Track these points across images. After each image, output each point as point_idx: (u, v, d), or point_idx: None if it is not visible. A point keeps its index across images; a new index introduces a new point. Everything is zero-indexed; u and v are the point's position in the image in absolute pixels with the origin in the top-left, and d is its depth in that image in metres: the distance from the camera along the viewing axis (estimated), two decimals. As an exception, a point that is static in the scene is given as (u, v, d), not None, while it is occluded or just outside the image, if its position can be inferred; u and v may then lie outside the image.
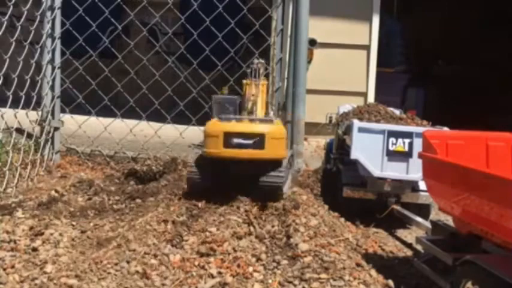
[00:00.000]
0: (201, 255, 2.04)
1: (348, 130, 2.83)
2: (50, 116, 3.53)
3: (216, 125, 2.45)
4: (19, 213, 2.40)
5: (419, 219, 2.63)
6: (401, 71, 6.45)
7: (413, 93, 6.46)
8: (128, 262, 1.99)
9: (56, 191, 2.77)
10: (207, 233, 2.17)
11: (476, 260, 1.70)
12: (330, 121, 3.38)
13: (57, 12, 3.50)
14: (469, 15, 8.36)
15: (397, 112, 3.18)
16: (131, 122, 3.72)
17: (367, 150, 2.74)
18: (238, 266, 1.97)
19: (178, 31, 5.18)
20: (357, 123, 2.76)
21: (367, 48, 5.22)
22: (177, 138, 3.79)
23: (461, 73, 8.48)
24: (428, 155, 2.07)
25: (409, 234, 2.67)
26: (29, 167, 3.14)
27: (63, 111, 3.68)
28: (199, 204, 2.39)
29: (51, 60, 3.50)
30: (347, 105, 3.36)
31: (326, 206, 2.60)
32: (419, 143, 2.23)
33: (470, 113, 7.81)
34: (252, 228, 2.21)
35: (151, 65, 3.99)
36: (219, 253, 2.04)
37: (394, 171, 2.73)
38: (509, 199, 1.62)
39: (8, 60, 2.89)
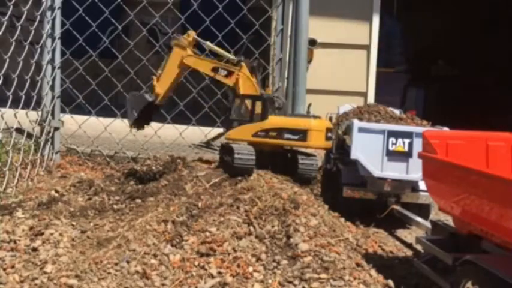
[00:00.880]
0: (201, 255, 2.04)
1: (348, 130, 2.83)
2: (50, 116, 3.53)
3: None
4: (19, 213, 2.40)
5: (419, 219, 2.63)
6: (401, 71, 6.45)
7: (413, 93, 6.46)
8: (127, 262, 1.99)
9: (56, 191, 2.77)
10: (207, 233, 2.17)
11: (476, 260, 1.70)
12: (330, 121, 3.38)
13: (57, 12, 3.50)
14: (469, 15, 8.36)
15: (397, 112, 3.18)
16: (131, 122, 3.72)
17: (367, 150, 2.74)
18: (238, 266, 1.97)
19: (178, 31, 5.18)
20: (357, 123, 2.76)
21: (367, 48, 5.22)
22: (177, 138, 3.79)
23: (462, 73, 8.48)
24: (428, 155, 2.07)
25: (409, 234, 2.67)
26: (29, 167, 3.14)
27: (63, 111, 3.68)
28: (199, 204, 2.39)
29: (51, 60, 3.50)
30: (347, 105, 3.36)
31: (326, 206, 2.60)
32: (420, 143, 2.23)
33: (470, 113, 7.82)
34: (252, 228, 2.21)
35: (151, 65, 3.98)
36: (219, 253, 2.04)
37: (394, 171, 2.73)
38: (509, 199, 1.62)
39: (8, 60, 2.89)
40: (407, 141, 2.73)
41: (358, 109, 3.16)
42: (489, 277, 1.62)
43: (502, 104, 7.68)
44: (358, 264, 2.05)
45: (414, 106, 6.44)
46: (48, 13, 3.45)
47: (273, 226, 2.23)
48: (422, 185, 2.71)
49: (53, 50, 3.51)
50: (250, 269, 1.97)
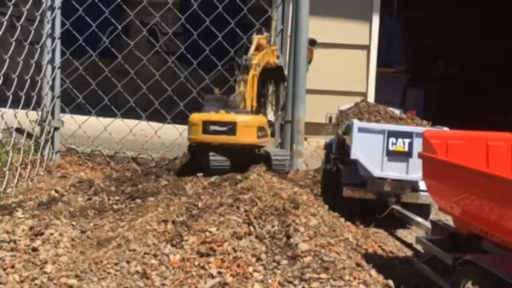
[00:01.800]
0: (201, 255, 2.04)
1: (348, 130, 2.83)
2: (50, 116, 3.53)
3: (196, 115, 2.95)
4: (19, 213, 2.40)
5: (419, 219, 2.63)
6: (401, 71, 6.45)
7: (413, 93, 6.46)
8: (127, 262, 1.99)
9: (56, 191, 2.77)
10: (207, 233, 2.17)
11: (476, 260, 1.70)
12: (330, 121, 3.38)
13: (57, 12, 3.50)
14: (469, 15, 8.35)
15: (397, 112, 3.18)
16: (131, 122, 3.72)
17: (367, 150, 2.73)
18: (238, 266, 1.97)
19: (178, 31, 5.18)
20: (357, 123, 2.76)
21: (367, 48, 5.22)
22: (177, 138, 3.79)
23: (462, 73, 8.47)
24: (428, 155, 2.07)
25: (409, 234, 2.67)
26: (29, 167, 3.14)
27: (63, 111, 3.68)
28: (199, 204, 2.39)
29: (51, 60, 3.50)
30: (347, 105, 3.36)
31: (326, 206, 2.60)
32: (419, 143, 2.23)
33: (471, 113, 7.82)
34: (252, 228, 2.21)
35: (151, 65, 3.99)
36: (219, 253, 2.04)
37: (395, 171, 2.73)
38: (509, 199, 1.61)
39: (8, 60, 2.89)
40: (407, 141, 2.72)
41: (358, 109, 3.16)
42: (489, 277, 1.62)
43: (502, 104, 7.68)
44: (358, 264, 2.05)
45: (414, 106, 6.44)
46: (48, 13, 3.45)
47: (273, 226, 2.23)
48: (422, 185, 2.70)
49: (53, 50, 3.51)
50: (250, 269, 1.96)
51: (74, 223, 2.33)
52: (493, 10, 8.27)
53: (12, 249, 2.08)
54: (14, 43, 2.96)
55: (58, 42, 3.53)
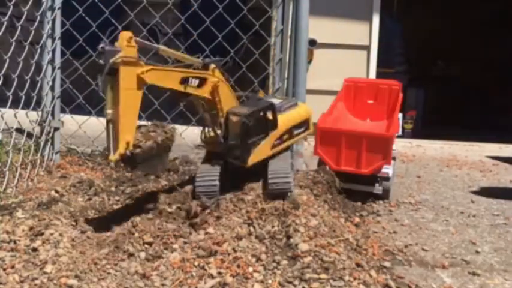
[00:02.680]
0: (201, 255, 2.04)
1: None
2: (50, 116, 3.53)
3: None
4: (19, 214, 2.40)
5: None
6: (401, 71, 6.45)
7: (413, 94, 6.46)
8: (127, 262, 1.99)
9: (56, 191, 2.77)
10: (207, 234, 2.18)
11: None
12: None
13: (57, 13, 3.50)
14: (469, 15, 8.35)
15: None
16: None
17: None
18: (238, 266, 1.97)
19: (179, 31, 5.17)
20: None
21: (367, 48, 5.22)
22: (177, 138, 3.79)
23: (462, 73, 8.47)
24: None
25: (409, 235, 2.67)
26: (29, 167, 3.14)
27: (63, 111, 3.68)
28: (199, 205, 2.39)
29: (51, 61, 3.50)
30: None
31: (326, 207, 2.60)
32: None
33: (470, 113, 7.83)
34: (252, 229, 2.22)
35: (151, 65, 3.98)
36: (219, 253, 2.04)
37: None
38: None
39: (8, 60, 2.89)
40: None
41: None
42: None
43: (502, 104, 7.68)
44: (358, 265, 2.05)
45: (414, 106, 6.44)
46: (49, 13, 3.45)
47: (273, 226, 2.23)
48: None
49: (53, 50, 3.51)
50: (250, 269, 1.97)
51: (74, 223, 2.33)
52: (493, 10, 8.27)
53: (12, 250, 2.08)
54: (14, 43, 2.96)
55: (58, 42, 3.53)
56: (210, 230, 2.20)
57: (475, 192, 3.53)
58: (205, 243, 2.11)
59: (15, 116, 3.05)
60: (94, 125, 3.76)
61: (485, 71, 8.32)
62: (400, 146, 5.03)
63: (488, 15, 8.35)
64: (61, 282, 1.87)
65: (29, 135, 3.40)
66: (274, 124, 2.58)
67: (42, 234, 2.18)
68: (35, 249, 2.08)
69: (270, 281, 1.91)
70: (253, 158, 2.48)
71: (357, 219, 2.74)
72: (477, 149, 5.36)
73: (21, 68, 3.10)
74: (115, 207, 2.56)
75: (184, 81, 2.35)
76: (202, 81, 2.39)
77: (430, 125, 6.54)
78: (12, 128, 3.13)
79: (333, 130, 3.11)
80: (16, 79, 3.04)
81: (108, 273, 1.94)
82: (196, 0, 3.79)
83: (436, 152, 5.07)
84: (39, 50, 3.45)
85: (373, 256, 2.27)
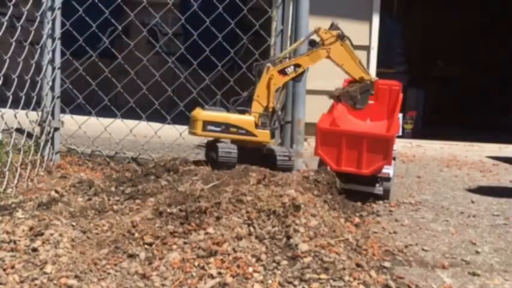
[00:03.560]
0: (201, 255, 2.04)
1: None
2: (50, 117, 3.53)
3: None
4: (19, 214, 2.40)
5: None
6: (401, 72, 6.45)
7: (413, 94, 6.47)
8: (127, 262, 1.99)
9: (56, 191, 2.77)
10: (207, 234, 2.17)
11: None
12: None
13: (57, 13, 3.50)
14: (468, 15, 8.35)
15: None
16: (131, 122, 3.72)
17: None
18: (238, 266, 1.97)
19: (179, 31, 5.18)
20: None
21: (367, 48, 5.22)
22: (177, 138, 3.79)
23: (461, 73, 8.47)
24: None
25: (409, 235, 2.67)
26: (29, 167, 3.15)
27: (63, 111, 3.68)
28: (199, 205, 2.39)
29: (51, 61, 3.50)
30: None
31: (326, 207, 2.60)
32: None
33: (470, 113, 7.83)
34: (252, 229, 2.22)
35: (151, 66, 3.99)
36: (219, 254, 2.04)
37: None
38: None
39: (8, 60, 2.89)
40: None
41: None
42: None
43: (502, 104, 7.68)
44: (358, 265, 2.05)
45: (414, 106, 6.45)
46: (49, 13, 3.45)
47: (273, 227, 2.23)
48: None
49: (53, 51, 3.51)
50: (250, 269, 1.97)
51: (74, 223, 2.33)
52: (493, 10, 8.27)
53: (12, 250, 2.08)
54: (14, 43, 2.96)
55: (58, 42, 3.53)
56: (210, 230, 2.20)
57: (475, 192, 3.53)
58: (205, 243, 2.10)
59: (15, 116, 3.05)
60: (94, 125, 3.76)
61: (485, 71, 8.33)
62: (400, 146, 5.03)
63: (489, 15, 8.35)
64: (61, 283, 1.87)
65: (29, 135, 3.40)
66: None
67: (42, 234, 2.18)
68: (35, 250, 2.08)
69: (270, 281, 1.91)
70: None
71: (357, 220, 2.74)
72: (477, 149, 5.36)
73: (21, 68, 3.10)
74: (115, 207, 2.56)
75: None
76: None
77: (430, 125, 6.54)
78: (12, 128, 3.13)
79: (334, 130, 3.11)
80: (16, 79, 3.04)
81: (108, 273, 1.94)
82: (196, 0, 3.79)
83: (436, 152, 5.07)
84: (39, 50, 3.45)
85: (373, 256, 2.27)
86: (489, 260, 2.38)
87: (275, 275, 1.95)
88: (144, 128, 3.77)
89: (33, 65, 3.39)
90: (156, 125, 3.73)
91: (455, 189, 3.59)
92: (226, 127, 3.06)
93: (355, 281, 1.92)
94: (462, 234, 2.71)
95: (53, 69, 3.52)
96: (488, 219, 2.97)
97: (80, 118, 3.77)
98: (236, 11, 3.79)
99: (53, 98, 3.55)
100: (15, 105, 3.00)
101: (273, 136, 3.16)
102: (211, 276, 1.93)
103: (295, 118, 3.43)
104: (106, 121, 3.76)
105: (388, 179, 3.11)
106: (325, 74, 5.01)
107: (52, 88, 3.54)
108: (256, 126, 3.08)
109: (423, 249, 2.47)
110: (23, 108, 3.18)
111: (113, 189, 2.85)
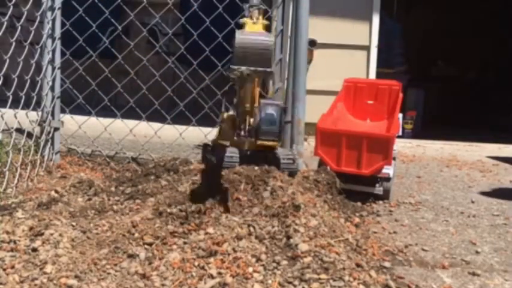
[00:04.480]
0: (201, 255, 2.04)
1: None
2: (50, 117, 3.54)
3: None
4: (19, 214, 2.40)
5: None
6: (401, 72, 6.46)
7: (413, 94, 6.48)
8: (127, 262, 1.99)
9: (56, 191, 2.77)
10: (207, 234, 2.17)
11: None
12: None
13: (57, 13, 3.50)
14: (468, 15, 8.35)
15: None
16: (131, 122, 3.72)
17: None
18: (238, 266, 1.97)
19: (178, 32, 5.18)
20: None
21: (367, 48, 5.22)
22: (177, 138, 3.79)
23: (461, 73, 8.47)
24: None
25: (409, 235, 2.67)
26: (29, 167, 3.15)
27: (63, 111, 3.68)
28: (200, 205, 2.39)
29: (51, 61, 3.51)
30: None
31: (326, 207, 2.60)
32: None
33: (470, 113, 7.83)
34: (252, 229, 2.22)
35: (151, 66, 3.99)
36: (219, 254, 2.04)
37: None
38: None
39: (8, 60, 2.89)
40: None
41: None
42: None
43: (501, 104, 7.68)
44: (358, 265, 2.05)
45: (414, 107, 6.45)
46: (49, 13, 3.45)
47: (273, 227, 2.23)
48: None
49: (53, 51, 3.51)
50: (250, 269, 1.97)
51: (74, 223, 2.33)
52: (492, 10, 8.27)
53: (12, 250, 2.08)
54: (14, 43, 2.96)
55: (58, 42, 3.53)
56: (210, 230, 2.20)
57: (475, 192, 3.54)
58: (205, 243, 2.10)
59: (15, 116, 3.05)
60: (94, 125, 3.76)
61: (485, 71, 8.33)
62: (400, 146, 5.03)
63: (489, 15, 8.35)
64: (61, 283, 1.87)
65: (29, 135, 3.40)
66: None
67: (42, 234, 2.18)
68: (35, 250, 2.08)
69: (270, 281, 1.91)
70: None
71: (357, 220, 2.74)
72: (477, 149, 5.36)
73: (21, 68, 3.10)
74: (115, 207, 2.56)
75: None
76: None
77: (430, 125, 6.55)
78: (12, 128, 3.13)
79: (333, 131, 3.11)
80: (16, 79, 3.04)
81: (108, 273, 1.94)
82: (196, 0, 3.79)
83: (436, 152, 5.08)
84: (39, 50, 3.45)
85: (373, 256, 2.27)
86: (489, 260, 2.38)
87: (275, 275, 1.95)
88: (144, 128, 3.77)
89: (33, 65, 3.39)
90: (156, 125, 3.73)
91: (455, 189, 3.59)
92: None
93: (355, 281, 1.92)
94: (462, 234, 2.71)
95: (53, 69, 3.52)
96: (488, 219, 2.97)
97: (80, 118, 3.77)
98: (236, 11, 3.79)
99: (53, 98, 3.55)
100: (15, 105, 3.00)
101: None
102: (211, 276, 1.93)
103: (295, 118, 3.43)
104: (106, 121, 3.77)
105: (388, 179, 3.11)
106: (325, 74, 5.02)
107: (52, 88, 3.54)
108: None
109: (423, 249, 2.47)
110: (23, 108, 3.18)
111: (113, 189, 2.85)
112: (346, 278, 1.93)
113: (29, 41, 3.24)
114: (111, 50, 4.24)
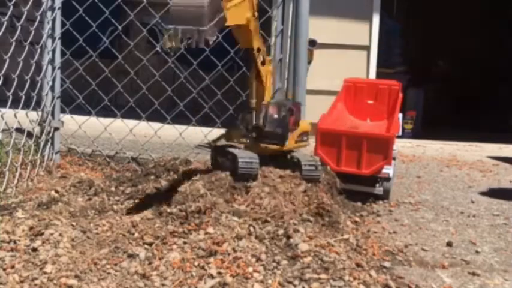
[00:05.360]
0: (201, 255, 2.04)
1: None
2: (50, 116, 3.53)
3: None
4: (19, 214, 2.40)
5: None
6: (401, 72, 6.46)
7: (413, 94, 6.48)
8: (127, 262, 1.99)
9: (56, 191, 2.77)
10: (207, 234, 2.18)
11: None
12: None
13: (57, 13, 3.50)
14: (469, 15, 8.35)
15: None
16: (131, 122, 3.72)
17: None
18: (238, 266, 1.97)
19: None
20: None
21: (367, 48, 5.22)
22: (177, 138, 3.79)
23: (461, 73, 8.47)
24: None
25: (409, 235, 2.67)
26: (29, 167, 3.14)
27: (63, 111, 3.68)
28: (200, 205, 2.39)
29: (52, 61, 3.50)
30: None
31: (326, 207, 2.59)
32: None
33: (470, 114, 7.83)
34: (252, 229, 2.22)
35: (151, 66, 3.99)
36: (219, 254, 2.04)
37: None
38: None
39: (8, 60, 2.89)
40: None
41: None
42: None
43: (501, 104, 7.68)
44: (358, 265, 2.05)
45: (414, 107, 6.45)
46: (49, 13, 3.45)
47: (273, 226, 2.23)
48: None
49: (53, 50, 3.51)
50: (250, 269, 1.97)
51: (74, 223, 2.33)
52: (493, 10, 8.27)
53: (12, 250, 2.08)
54: (14, 43, 2.96)
55: (58, 42, 3.53)
56: (210, 230, 2.20)
57: (475, 192, 3.54)
58: (205, 243, 2.11)
59: (15, 116, 3.05)
60: (94, 125, 3.76)
61: (485, 71, 8.33)
62: (400, 146, 5.03)
63: (489, 15, 8.35)
64: (61, 282, 1.87)
65: (29, 135, 3.40)
66: (297, 122, 2.84)
67: (42, 234, 2.18)
68: (35, 249, 2.08)
69: (270, 281, 1.91)
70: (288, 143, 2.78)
71: (357, 220, 2.74)
72: (477, 149, 5.36)
73: (21, 68, 3.10)
74: (115, 207, 2.56)
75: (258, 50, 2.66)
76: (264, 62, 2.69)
77: (430, 125, 6.55)
78: (12, 128, 3.13)
79: (333, 131, 3.11)
80: (16, 79, 3.04)
81: (108, 273, 1.94)
82: (196, 0, 3.78)
83: (436, 152, 5.08)
84: (39, 50, 3.45)
85: (373, 256, 2.27)
86: (489, 260, 2.38)
87: (275, 274, 1.95)
88: (144, 128, 3.77)
89: (33, 65, 3.39)
90: (156, 125, 3.73)
91: (455, 189, 3.59)
92: None
93: (355, 281, 1.92)
94: (462, 234, 2.71)
95: (53, 69, 3.52)
96: (488, 219, 2.97)
97: (80, 118, 3.77)
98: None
99: (53, 98, 3.55)
100: (15, 105, 3.00)
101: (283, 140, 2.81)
102: (211, 276, 1.93)
103: (295, 118, 3.43)
104: (106, 121, 3.77)
105: (388, 179, 3.11)
106: (325, 74, 5.02)
107: (52, 88, 3.54)
108: None
109: (423, 249, 2.47)
110: (23, 108, 3.18)
111: (113, 189, 2.85)
112: (346, 277, 1.93)
113: (29, 41, 3.24)
114: (111, 50, 4.23)
